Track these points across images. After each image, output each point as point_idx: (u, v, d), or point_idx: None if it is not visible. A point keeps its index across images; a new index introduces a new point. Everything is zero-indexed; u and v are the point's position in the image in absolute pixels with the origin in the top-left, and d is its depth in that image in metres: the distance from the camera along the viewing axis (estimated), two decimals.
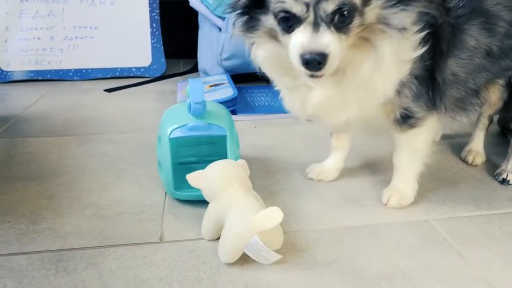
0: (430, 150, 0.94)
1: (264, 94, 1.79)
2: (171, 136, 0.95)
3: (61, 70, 2.00)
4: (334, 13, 0.70)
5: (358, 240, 0.86)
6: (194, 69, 2.12)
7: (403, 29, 0.74)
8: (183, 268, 0.77)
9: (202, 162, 1.14)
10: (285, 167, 1.17)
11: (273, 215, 0.73)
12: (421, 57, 0.81)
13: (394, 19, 0.73)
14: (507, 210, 0.96)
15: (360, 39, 0.75)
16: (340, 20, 0.70)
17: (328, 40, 0.69)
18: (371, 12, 0.73)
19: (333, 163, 1.10)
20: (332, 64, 0.70)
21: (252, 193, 0.85)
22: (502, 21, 0.89)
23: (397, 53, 0.77)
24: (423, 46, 0.79)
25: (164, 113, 1.03)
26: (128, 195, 1.02)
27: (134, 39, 2.06)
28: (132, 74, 2.06)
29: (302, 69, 0.72)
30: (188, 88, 0.96)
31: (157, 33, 2.09)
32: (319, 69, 0.70)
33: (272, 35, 0.77)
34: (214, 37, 1.89)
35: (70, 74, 2.01)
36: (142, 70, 2.07)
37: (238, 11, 0.80)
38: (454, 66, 0.88)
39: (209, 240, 0.84)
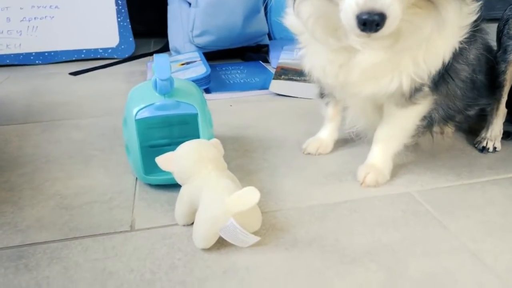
0: (413, 131, 0.92)
1: (239, 71, 1.72)
2: (138, 117, 0.88)
3: (21, 54, 1.87)
4: None
5: (340, 217, 0.83)
6: (165, 48, 2.02)
7: None
8: (156, 256, 0.72)
9: (174, 144, 1.08)
10: (262, 145, 1.12)
11: (249, 196, 0.69)
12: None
13: None
14: (488, 178, 0.95)
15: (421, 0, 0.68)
16: None
17: (389, 0, 0.61)
18: None
19: (329, 135, 1.07)
20: (391, 25, 0.63)
21: (226, 173, 0.80)
22: None
23: (456, 14, 0.72)
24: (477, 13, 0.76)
25: (129, 93, 0.96)
26: (96, 183, 0.95)
27: (98, 18, 1.94)
28: (99, 56, 1.94)
29: (357, 31, 0.64)
30: (153, 65, 0.89)
31: (123, 10, 1.97)
32: (376, 31, 0.62)
33: None
34: (184, 13, 1.80)
35: (32, 58, 1.88)
36: (109, 51, 1.96)
37: None
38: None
39: (183, 225, 0.80)
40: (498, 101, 1.04)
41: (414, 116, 0.89)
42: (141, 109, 0.88)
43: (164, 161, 0.81)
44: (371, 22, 0.61)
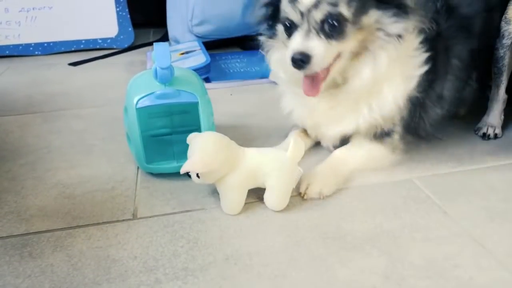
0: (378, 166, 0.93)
1: (239, 61, 1.71)
2: (138, 106, 0.88)
3: (20, 45, 1.86)
4: (322, 21, 0.79)
5: (342, 203, 0.83)
6: (164, 38, 2.01)
7: (398, 36, 0.82)
8: (158, 244, 0.73)
9: (175, 133, 1.08)
10: (263, 134, 1.12)
11: (299, 144, 0.81)
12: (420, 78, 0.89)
13: (390, 27, 0.82)
14: (488, 164, 0.95)
15: (361, 48, 0.83)
16: (330, 29, 0.79)
17: (313, 44, 0.79)
18: (368, 21, 0.81)
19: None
20: (316, 64, 0.79)
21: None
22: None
23: (401, 64, 0.86)
24: (426, 65, 0.88)
25: (129, 81, 0.95)
26: (98, 172, 0.96)
27: (97, 8, 1.92)
28: (98, 46, 1.93)
29: (292, 69, 0.81)
30: (153, 54, 0.89)
31: (122, 0, 1.95)
32: (303, 67, 0.80)
33: (283, 42, 0.87)
34: (183, 2, 1.78)
35: (31, 48, 1.87)
36: (108, 41, 1.95)
37: (264, 23, 0.92)
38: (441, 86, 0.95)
39: (237, 214, 0.80)
40: (498, 87, 1.04)
41: (380, 154, 0.93)
42: (142, 97, 0.88)
43: (191, 167, 0.78)
44: (297, 61, 0.79)
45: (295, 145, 0.81)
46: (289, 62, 0.80)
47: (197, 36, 1.78)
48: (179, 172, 0.83)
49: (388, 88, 0.87)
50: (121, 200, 0.85)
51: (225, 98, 1.38)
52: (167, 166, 0.93)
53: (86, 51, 1.90)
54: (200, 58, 1.51)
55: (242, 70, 1.61)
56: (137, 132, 0.89)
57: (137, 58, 1.82)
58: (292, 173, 0.81)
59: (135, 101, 0.88)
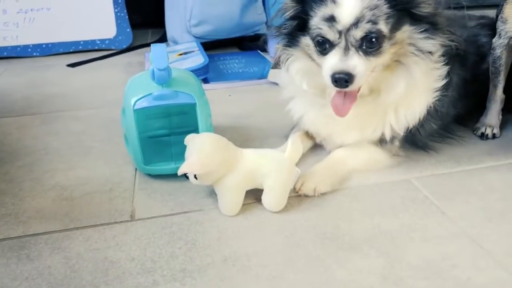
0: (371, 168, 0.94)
1: (237, 61, 1.71)
2: (136, 107, 0.88)
3: (19, 46, 1.86)
4: (362, 39, 0.79)
5: (340, 204, 0.83)
6: (163, 38, 2.01)
7: (429, 53, 0.84)
8: (156, 245, 0.73)
9: (173, 135, 1.08)
10: (261, 134, 1.12)
11: (297, 145, 0.83)
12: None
13: (422, 43, 0.83)
14: (487, 164, 0.95)
15: (394, 62, 0.85)
16: (368, 46, 0.79)
17: (355, 63, 0.79)
18: (401, 36, 0.82)
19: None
20: (358, 82, 0.80)
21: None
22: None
23: (426, 77, 0.88)
24: (446, 79, 0.91)
25: (127, 83, 0.95)
26: (96, 174, 0.96)
27: (95, 9, 1.92)
28: (96, 47, 1.93)
29: (332, 87, 0.81)
30: (150, 55, 0.89)
31: (120, 1, 1.95)
32: (346, 86, 0.79)
33: (308, 54, 0.87)
34: (182, 2, 1.78)
35: (29, 50, 1.87)
36: (107, 42, 1.95)
37: (286, 34, 0.89)
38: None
39: (235, 215, 0.80)
40: (495, 87, 1.04)
41: (376, 159, 0.94)
42: (139, 99, 0.87)
43: (189, 168, 0.79)
44: (340, 80, 0.79)
45: (293, 146, 0.82)
46: (329, 81, 0.80)
47: (195, 37, 1.78)
48: (177, 174, 0.83)
49: (416, 99, 0.89)
50: (119, 201, 0.85)
51: (223, 99, 1.38)
52: (165, 167, 0.93)
53: (84, 52, 1.90)
54: (198, 59, 1.51)
55: (240, 70, 1.61)
56: (135, 134, 0.88)
57: (135, 59, 1.82)
58: (290, 174, 0.81)
59: (132, 102, 0.88)
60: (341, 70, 0.78)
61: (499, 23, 1.00)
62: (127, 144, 0.94)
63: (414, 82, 0.85)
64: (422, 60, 0.84)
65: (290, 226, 0.77)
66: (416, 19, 0.82)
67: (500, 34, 1.00)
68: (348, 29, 0.78)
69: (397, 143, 0.95)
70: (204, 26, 1.77)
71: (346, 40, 0.79)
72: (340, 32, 0.79)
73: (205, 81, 1.50)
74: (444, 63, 0.90)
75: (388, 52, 0.82)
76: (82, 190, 0.89)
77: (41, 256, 0.71)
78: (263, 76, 1.52)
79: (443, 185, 0.88)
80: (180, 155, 0.98)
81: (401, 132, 0.91)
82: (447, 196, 0.84)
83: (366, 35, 0.78)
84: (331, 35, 0.80)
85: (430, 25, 0.82)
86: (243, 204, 0.81)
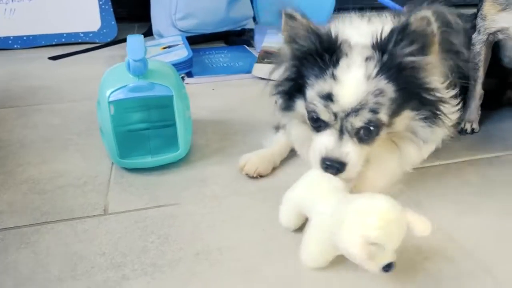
0: None
1: (223, 56, 1.70)
2: (111, 99, 0.86)
3: None
4: (360, 128, 0.70)
5: None
6: (149, 32, 1.98)
7: (426, 142, 0.77)
8: (128, 240, 0.72)
9: (152, 128, 1.07)
10: (243, 129, 1.11)
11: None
12: None
13: (421, 131, 0.75)
14: (464, 158, 0.95)
15: (388, 140, 0.76)
16: (365, 134, 0.71)
17: (349, 150, 0.71)
18: (401, 123, 0.74)
19: (278, 150, 0.96)
20: (350, 171, 0.71)
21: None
22: None
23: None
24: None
25: (103, 74, 0.93)
26: (71, 167, 0.94)
27: (79, 1, 1.89)
28: (80, 40, 1.90)
29: (321, 170, 0.72)
30: (126, 46, 0.87)
31: None
32: (337, 174, 0.71)
33: (304, 120, 0.77)
34: None
35: (10, 42, 1.83)
36: (91, 35, 1.92)
37: (281, 96, 0.81)
38: None
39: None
40: (475, 82, 1.04)
41: None
42: (115, 90, 0.86)
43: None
44: (332, 167, 0.70)
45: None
46: (318, 164, 0.71)
47: (181, 31, 1.76)
48: (154, 167, 0.82)
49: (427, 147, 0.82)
50: (93, 195, 0.84)
51: (207, 93, 1.36)
52: (142, 161, 0.91)
53: (67, 45, 1.87)
54: (182, 52, 1.49)
55: (225, 65, 1.60)
56: (110, 126, 0.87)
57: (119, 53, 1.79)
58: None
59: (107, 94, 0.86)
60: (332, 157, 0.70)
61: (478, 20, 1.00)
62: (103, 137, 0.92)
63: (407, 164, 0.80)
64: (417, 146, 0.77)
65: (266, 220, 0.76)
66: (422, 104, 0.73)
67: (479, 31, 1.00)
68: (347, 115, 0.69)
69: None
70: (189, 20, 1.75)
71: (342, 125, 0.70)
72: (336, 115, 0.69)
73: (190, 75, 1.48)
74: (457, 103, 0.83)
75: (383, 136, 0.74)
76: (55, 184, 0.87)
77: (7, 251, 0.69)
78: (249, 70, 1.51)
79: (421, 179, 0.88)
80: (158, 149, 0.97)
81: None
82: (424, 190, 0.84)
83: (365, 124, 0.69)
84: (326, 116, 0.70)
85: (432, 113, 0.74)
86: (219, 198, 0.80)
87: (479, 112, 1.07)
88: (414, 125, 0.74)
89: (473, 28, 1.04)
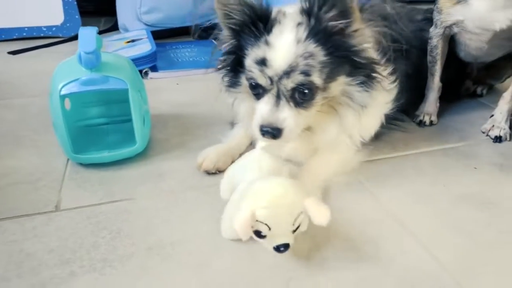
0: None
1: (189, 50, 1.67)
2: (63, 92, 0.84)
3: None
4: (293, 90, 0.73)
5: None
6: (115, 26, 1.93)
7: (363, 106, 0.79)
8: (78, 236, 0.70)
9: (112, 123, 1.04)
10: (205, 123, 1.10)
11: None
12: None
13: (358, 96, 0.78)
14: (421, 149, 0.97)
15: (326, 105, 0.79)
16: (300, 97, 0.74)
17: (285, 116, 0.73)
18: (336, 88, 0.77)
19: (237, 144, 0.95)
20: (288, 136, 0.74)
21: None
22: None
23: (381, 95, 0.83)
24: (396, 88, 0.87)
25: (55, 67, 0.91)
26: (24, 164, 0.91)
27: None
28: (42, 34, 1.84)
29: (260, 137, 0.75)
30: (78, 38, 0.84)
31: None
32: (275, 139, 0.74)
33: (249, 92, 0.79)
34: None
35: None
36: (53, 29, 1.86)
37: (225, 71, 0.85)
38: None
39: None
40: (433, 75, 1.06)
41: None
42: (66, 84, 0.83)
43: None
44: (268, 133, 0.73)
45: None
46: (257, 131, 0.74)
47: (146, 25, 1.73)
48: (112, 163, 0.80)
49: (368, 120, 0.85)
50: (45, 192, 0.81)
51: (170, 87, 1.34)
52: (98, 156, 0.89)
53: (29, 39, 1.80)
54: (146, 46, 1.46)
55: (191, 59, 1.58)
56: (62, 120, 0.84)
57: None
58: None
59: (59, 87, 0.83)
60: (269, 124, 0.73)
61: (435, 13, 1.02)
62: (56, 132, 0.90)
63: (347, 127, 0.82)
64: (355, 111, 0.79)
65: (220, 215, 0.75)
66: (354, 68, 0.76)
67: (436, 24, 1.02)
68: (280, 77, 0.72)
69: None
70: (154, 14, 1.72)
71: (278, 88, 0.73)
72: (271, 79, 0.73)
73: (154, 69, 1.45)
74: (394, 77, 0.85)
75: (320, 102, 0.76)
76: (5, 181, 0.84)
77: None
78: (213, 65, 1.49)
79: (377, 170, 0.89)
80: (116, 144, 0.95)
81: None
82: (380, 181, 0.86)
83: (297, 86, 0.72)
84: (262, 80, 0.73)
85: (367, 77, 0.77)
86: (175, 192, 0.79)
87: (438, 104, 1.09)
88: (350, 89, 0.77)
89: (425, 20, 1.06)
